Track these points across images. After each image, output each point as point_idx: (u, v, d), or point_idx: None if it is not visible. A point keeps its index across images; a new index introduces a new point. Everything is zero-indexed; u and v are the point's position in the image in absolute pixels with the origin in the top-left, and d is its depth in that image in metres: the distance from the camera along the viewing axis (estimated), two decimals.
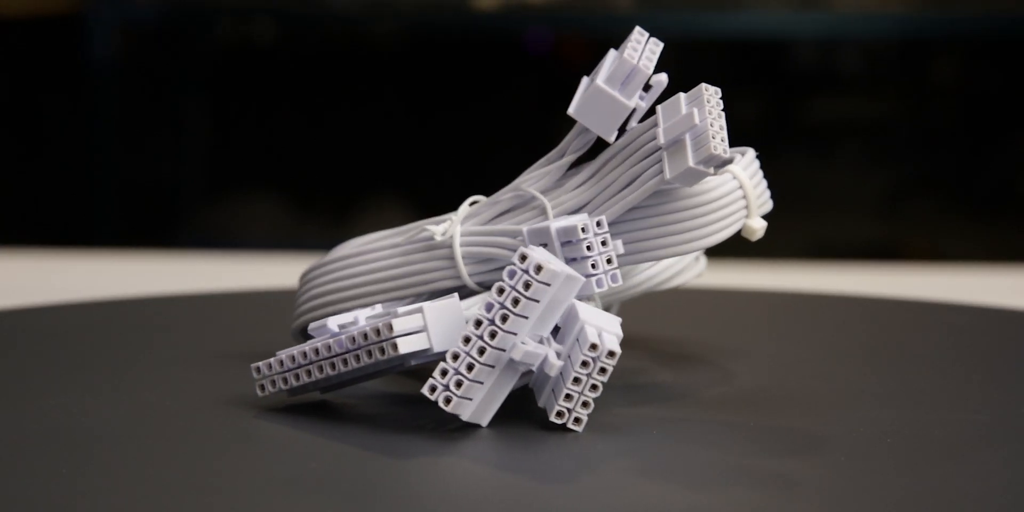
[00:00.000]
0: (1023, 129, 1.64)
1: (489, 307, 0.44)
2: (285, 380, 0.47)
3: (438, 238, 0.49)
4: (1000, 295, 1.15)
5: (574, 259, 0.45)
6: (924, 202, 1.65)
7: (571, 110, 0.48)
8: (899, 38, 1.64)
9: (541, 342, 0.44)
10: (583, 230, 0.45)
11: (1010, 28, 1.62)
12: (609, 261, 0.46)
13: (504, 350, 0.43)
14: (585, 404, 0.44)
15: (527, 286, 0.43)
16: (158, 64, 1.68)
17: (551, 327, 0.44)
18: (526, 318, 0.43)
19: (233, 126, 1.68)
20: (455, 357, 0.44)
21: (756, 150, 0.50)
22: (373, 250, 0.52)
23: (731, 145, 0.50)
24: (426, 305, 0.45)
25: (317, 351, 0.47)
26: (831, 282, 1.24)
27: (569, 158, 0.49)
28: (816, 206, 1.62)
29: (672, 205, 0.47)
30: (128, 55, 1.67)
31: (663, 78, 0.48)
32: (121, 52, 1.66)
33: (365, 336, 0.45)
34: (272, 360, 0.48)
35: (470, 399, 0.44)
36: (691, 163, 0.45)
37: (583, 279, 0.44)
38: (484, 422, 0.45)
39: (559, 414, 0.44)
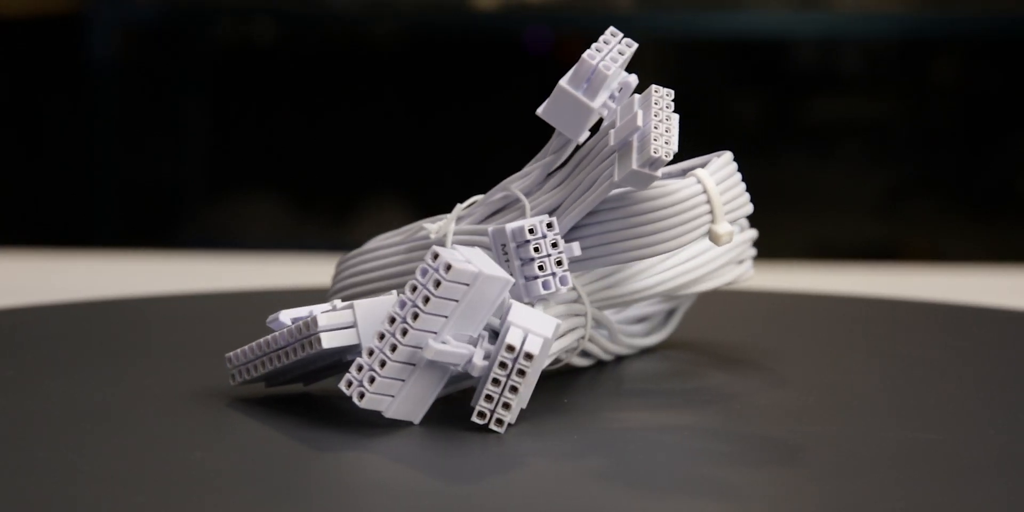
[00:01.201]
0: (1023, 129, 1.64)
1: (402, 304, 0.43)
2: (248, 370, 0.48)
3: (432, 237, 0.50)
4: (1000, 295, 1.15)
5: (531, 259, 0.46)
6: (924, 202, 1.65)
7: (539, 111, 0.48)
8: (899, 38, 1.64)
9: (473, 343, 0.44)
10: (531, 231, 0.45)
11: (1010, 28, 1.62)
12: (559, 263, 0.45)
13: (420, 348, 0.43)
14: (506, 405, 0.43)
15: (437, 284, 0.43)
16: (158, 64, 1.68)
17: (479, 327, 0.44)
18: (442, 317, 0.43)
19: (233, 126, 1.68)
20: (370, 353, 0.44)
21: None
22: (384, 246, 0.52)
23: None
24: (357, 302, 0.45)
25: (268, 343, 0.47)
26: (831, 282, 1.25)
27: (549, 158, 0.49)
28: (816, 206, 1.62)
29: (633, 208, 0.46)
30: (128, 55, 1.67)
31: (630, 79, 0.48)
32: (121, 52, 1.66)
33: (300, 330, 0.46)
34: (238, 351, 0.48)
35: (390, 396, 0.44)
36: (634, 166, 0.44)
37: (509, 279, 0.44)
38: (416, 419, 0.45)
39: (480, 415, 0.44)
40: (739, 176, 0.48)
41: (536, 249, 0.45)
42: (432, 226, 0.51)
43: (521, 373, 0.43)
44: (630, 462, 0.42)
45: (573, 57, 0.47)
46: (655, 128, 0.45)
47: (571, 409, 0.49)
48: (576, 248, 0.46)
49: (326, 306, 0.47)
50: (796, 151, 1.64)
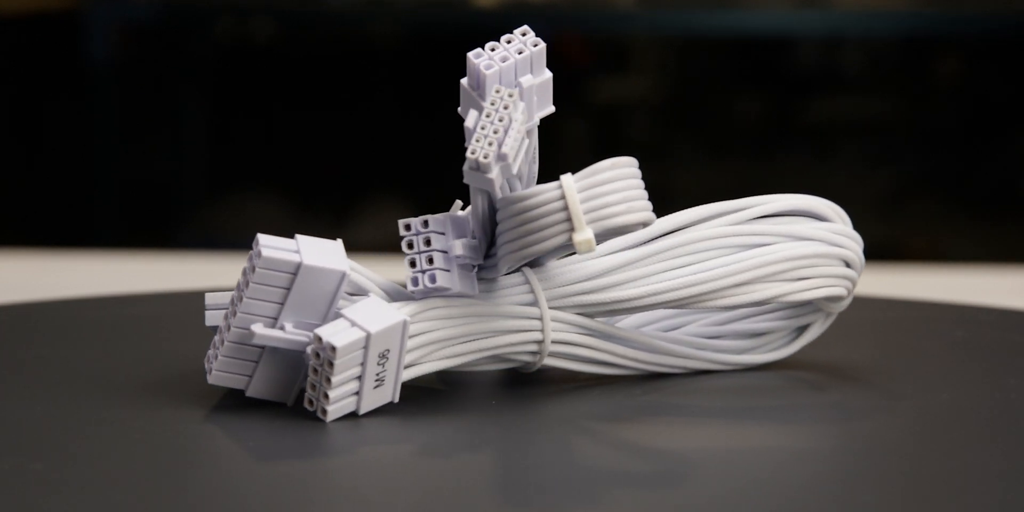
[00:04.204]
0: None
1: (238, 287, 0.44)
2: None
3: None
4: (1000, 295, 1.15)
5: (407, 256, 0.46)
6: (924, 202, 1.65)
7: (460, 108, 0.47)
8: (901, 36, 1.64)
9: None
10: (407, 228, 0.46)
11: (1013, 27, 1.62)
12: (430, 261, 0.45)
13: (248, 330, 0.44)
14: (326, 395, 0.43)
15: (253, 270, 0.43)
16: (157, 63, 1.68)
17: (321, 316, 0.44)
18: (273, 303, 0.43)
19: (232, 126, 1.68)
20: (218, 332, 0.44)
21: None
22: None
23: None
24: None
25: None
26: None
27: None
28: None
29: (505, 211, 0.45)
30: (127, 54, 1.67)
31: (524, 80, 0.46)
32: (120, 51, 1.66)
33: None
34: None
35: (245, 376, 0.44)
36: (465, 166, 0.44)
37: (341, 271, 0.44)
38: (287, 401, 0.45)
39: (310, 402, 0.44)
40: (631, 182, 0.45)
41: (410, 245, 0.46)
42: None
43: (331, 364, 0.43)
44: (471, 464, 0.41)
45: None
46: (481, 129, 0.44)
47: (491, 410, 0.47)
48: (458, 247, 0.46)
49: None
50: (796, 151, 1.64)
